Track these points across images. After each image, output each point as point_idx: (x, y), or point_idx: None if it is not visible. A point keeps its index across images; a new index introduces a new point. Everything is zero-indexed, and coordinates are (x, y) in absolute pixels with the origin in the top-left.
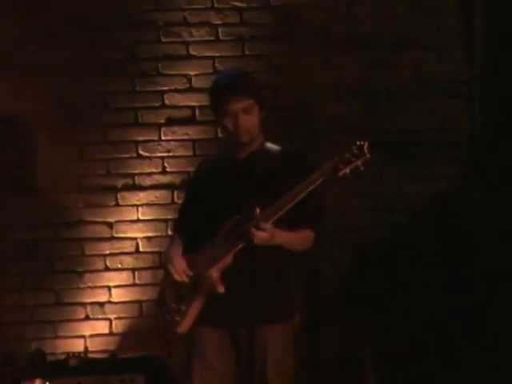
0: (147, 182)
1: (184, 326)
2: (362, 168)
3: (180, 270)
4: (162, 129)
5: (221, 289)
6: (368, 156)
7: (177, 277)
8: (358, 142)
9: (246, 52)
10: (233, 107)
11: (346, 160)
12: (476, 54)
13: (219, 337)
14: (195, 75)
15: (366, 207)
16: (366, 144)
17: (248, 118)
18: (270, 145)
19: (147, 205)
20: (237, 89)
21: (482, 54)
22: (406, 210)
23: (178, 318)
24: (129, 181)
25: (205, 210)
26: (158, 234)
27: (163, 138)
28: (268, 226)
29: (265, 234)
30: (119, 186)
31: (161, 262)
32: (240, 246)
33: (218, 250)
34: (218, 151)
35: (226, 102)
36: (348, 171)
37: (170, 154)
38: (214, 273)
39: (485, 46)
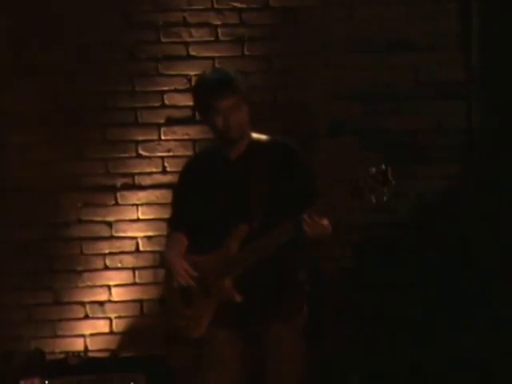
0: (147, 181)
1: (199, 331)
2: (387, 195)
3: (185, 274)
4: (162, 129)
5: (238, 298)
6: (394, 183)
7: (182, 281)
8: (381, 167)
9: (246, 52)
10: (223, 105)
11: (370, 187)
12: (473, 55)
13: (231, 337)
14: (195, 75)
15: (366, 207)
16: (390, 170)
17: (238, 115)
18: (258, 137)
19: (147, 204)
20: (225, 86)
21: (479, 56)
22: (405, 209)
23: (191, 323)
24: (128, 180)
25: (202, 209)
26: (158, 233)
27: (163, 137)
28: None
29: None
30: (119, 186)
31: (161, 261)
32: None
33: (231, 257)
34: (207, 148)
35: (215, 101)
36: (374, 200)
37: (170, 154)
38: (230, 282)
39: (482, 48)
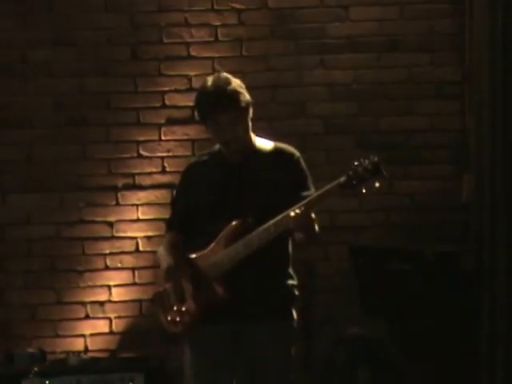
0: (147, 181)
1: (185, 326)
2: (377, 185)
3: (177, 273)
4: (163, 129)
5: (226, 295)
6: (385, 174)
7: (174, 279)
8: (372, 159)
9: (244, 53)
10: (222, 119)
11: (360, 177)
12: (467, 55)
13: (220, 334)
14: (195, 75)
15: (360, 207)
16: (380, 161)
17: (238, 128)
18: (262, 142)
19: (147, 204)
20: (225, 101)
21: (472, 56)
22: (400, 209)
23: (178, 319)
24: (129, 180)
25: (202, 211)
26: (158, 233)
27: (163, 138)
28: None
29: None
30: (120, 186)
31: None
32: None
33: (220, 256)
34: (210, 150)
35: (214, 115)
36: (364, 190)
37: (170, 154)
38: (219, 281)
39: (475, 48)
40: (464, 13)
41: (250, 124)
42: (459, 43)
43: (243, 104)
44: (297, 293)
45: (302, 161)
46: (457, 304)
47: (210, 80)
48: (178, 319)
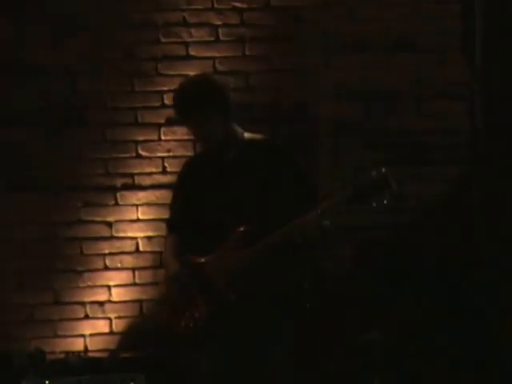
0: (147, 181)
1: (198, 330)
2: (387, 198)
3: (185, 279)
4: (162, 129)
5: (232, 297)
6: (394, 186)
7: (188, 290)
8: (381, 170)
9: (247, 53)
10: (186, 123)
11: (369, 191)
12: (476, 55)
13: (232, 335)
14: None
15: (367, 208)
16: (388, 173)
17: (205, 129)
18: (253, 138)
19: (147, 204)
20: (185, 106)
21: (482, 56)
22: (407, 210)
23: (192, 324)
24: (128, 180)
25: (198, 210)
26: (158, 233)
27: (163, 138)
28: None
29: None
30: (118, 186)
31: (161, 261)
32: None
33: (227, 262)
34: (204, 150)
35: (180, 118)
36: (374, 204)
37: (170, 154)
38: (228, 285)
39: (485, 48)
40: (473, 13)
41: (222, 124)
42: (468, 43)
43: (210, 108)
44: (306, 286)
45: (297, 156)
46: (460, 304)
47: (186, 79)
48: (191, 325)
